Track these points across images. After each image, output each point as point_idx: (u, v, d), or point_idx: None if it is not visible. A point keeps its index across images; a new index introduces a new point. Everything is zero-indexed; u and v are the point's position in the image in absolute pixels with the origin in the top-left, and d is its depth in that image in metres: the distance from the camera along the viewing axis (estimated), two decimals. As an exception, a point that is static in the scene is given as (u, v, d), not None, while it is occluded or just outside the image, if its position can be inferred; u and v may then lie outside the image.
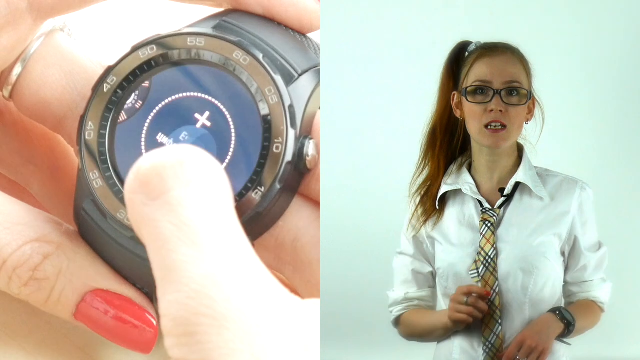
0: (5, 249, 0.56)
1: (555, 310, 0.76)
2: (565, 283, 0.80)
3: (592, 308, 0.79)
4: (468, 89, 0.77)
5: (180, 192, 0.46)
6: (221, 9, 0.61)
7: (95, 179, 0.57)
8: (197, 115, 0.57)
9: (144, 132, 0.57)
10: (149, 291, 0.58)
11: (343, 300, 1.07)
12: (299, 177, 0.58)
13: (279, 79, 0.56)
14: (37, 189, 0.63)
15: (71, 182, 0.62)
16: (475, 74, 0.77)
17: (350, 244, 1.17)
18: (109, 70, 0.58)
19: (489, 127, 0.76)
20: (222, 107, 0.57)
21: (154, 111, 0.57)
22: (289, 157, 0.56)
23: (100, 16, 0.61)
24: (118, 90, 0.58)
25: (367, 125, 1.25)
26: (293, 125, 0.56)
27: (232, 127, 0.57)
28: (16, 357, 0.62)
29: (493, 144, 0.76)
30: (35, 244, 0.56)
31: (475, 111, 0.77)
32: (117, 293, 0.58)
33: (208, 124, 0.57)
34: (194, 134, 0.57)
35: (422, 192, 0.80)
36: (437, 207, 0.79)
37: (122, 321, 0.58)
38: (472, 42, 0.79)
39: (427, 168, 0.80)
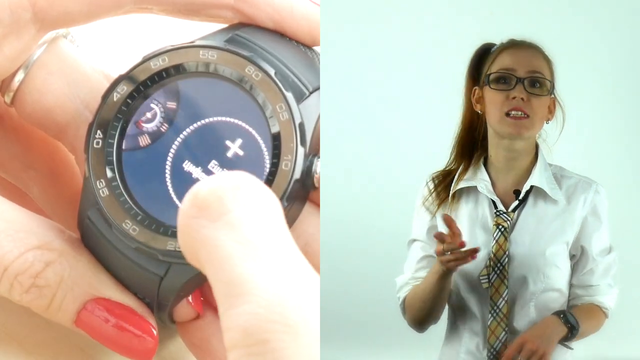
0: (7, 256, 0.56)
1: (559, 314, 0.76)
2: (571, 285, 0.79)
3: (596, 313, 0.79)
4: (491, 77, 0.76)
5: (240, 212, 0.47)
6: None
7: (101, 188, 0.56)
8: (228, 143, 0.57)
9: (170, 159, 0.57)
10: (150, 301, 0.58)
11: (343, 300, 1.07)
12: (306, 194, 0.58)
13: (290, 96, 0.56)
14: (37, 194, 0.63)
15: (71, 187, 0.62)
16: (499, 63, 0.77)
17: (350, 244, 1.17)
18: (120, 79, 0.57)
19: (510, 115, 0.75)
20: (253, 132, 0.57)
21: (182, 136, 0.57)
22: (297, 174, 0.55)
23: (104, 24, 0.60)
24: (128, 100, 0.57)
25: (366, 127, 1.25)
26: (303, 143, 0.56)
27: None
28: (16, 357, 0.62)
29: (515, 131, 0.75)
30: (37, 251, 0.56)
31: (496, 99, 0.76)
32: (119, 302, 0.58)
33: (240, 152, 0.56)
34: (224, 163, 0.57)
35: (438, 180, 0.79)
36: (450, 200, 0.78)
37: (123, 330, 0.58)
38: (495, 44, 0.79)
39: (454, 165, 0.80)
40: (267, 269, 0.46)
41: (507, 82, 0.76)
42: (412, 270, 0.80)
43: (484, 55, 0.79)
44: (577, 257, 0.78)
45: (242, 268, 0.46)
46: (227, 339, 0.46)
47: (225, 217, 0.47)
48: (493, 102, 0.76)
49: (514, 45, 0.78)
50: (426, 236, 0.79)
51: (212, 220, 0.47)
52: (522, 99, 0.75)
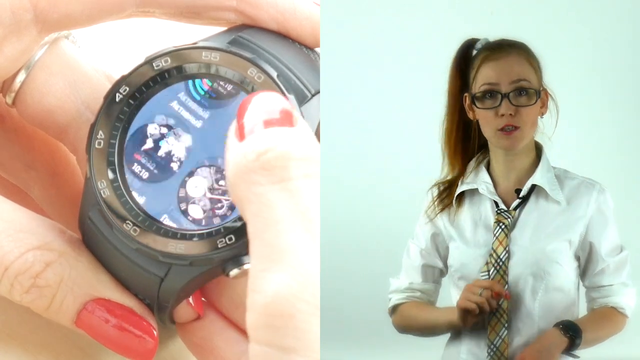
0: (7, 256, 0.56)
1: (559, 325, 0.75)
2: (586, 288, 0.79)
3: (611, 315, 0.78)
4: (476, 95, 0.76)
5: (301, 183, 0.47)
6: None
7: (103, 188, 0.56)
8: None
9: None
10: (151, 302, 0.58)
11: (343, 300, 1.07)
12: None
13: (292, 98, 0.56)
14: (37, 194, 0.63)
15: (71, 187, 0.62)
16: (482, 77, 0.76)
17: (350, 243, 1.17)
18: (122, 80, 0.57)
19: (503, 130, 0.75)
20: None
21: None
22: None
23: (105, 25, 0.60)
24: (130, 101, 0.57)
25: (366, 128, 1.24)
26: None
27: None
28: (17, 357, 0.62)
29: (509, 145, 0.75)
30: (38, 251, 0.56)
31: (486, 116, 0.76)
32: (119, 303, 0.58)
33: None
34: None
35: (442, 187, 0.79)
36: (455, 205, 0.78)
37: (123, 330, 0.58)
38: (478, 40, 0.78)
39: (447, 167, 0.80)
40: (312, 245, 0.46)
41: (493, 98, 0.75)
42: (409, 277, 0.80)
43: (467, 52, 0.78)
44: (586, 259, 0.78)
45: (289, 236, 0.46)
46: (250, 300, 0.45)
47: (286, 183, 0.47)
48: (483, 119, 0.76)
49: (493, 52, 0.76)
50: (429, 243, 0.80)
51: (272, 182, 0.47)
52: (511, 114, 0.75)
